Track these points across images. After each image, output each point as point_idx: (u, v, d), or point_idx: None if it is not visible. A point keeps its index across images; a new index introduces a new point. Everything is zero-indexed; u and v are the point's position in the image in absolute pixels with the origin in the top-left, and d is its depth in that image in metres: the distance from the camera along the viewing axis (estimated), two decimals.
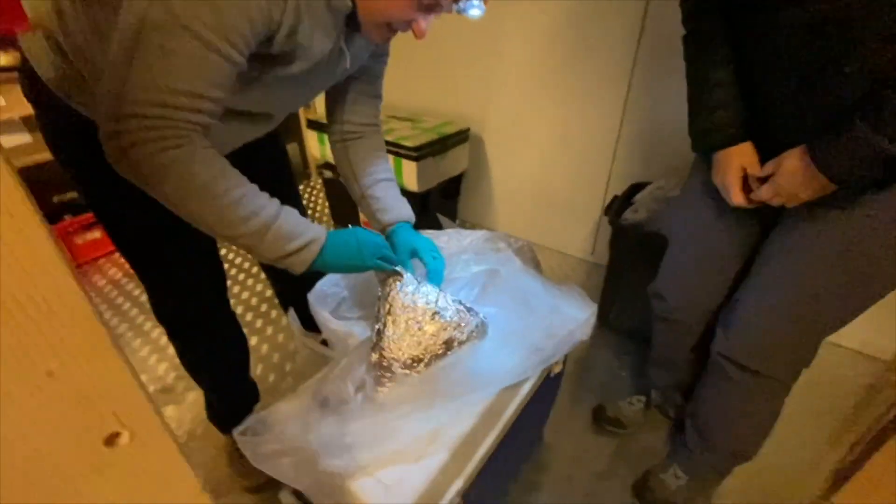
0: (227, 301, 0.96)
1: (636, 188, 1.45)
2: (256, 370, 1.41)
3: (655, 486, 1.04)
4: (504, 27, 1.66)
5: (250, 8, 0.50)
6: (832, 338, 1.44)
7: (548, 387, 0.94)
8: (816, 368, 1.41)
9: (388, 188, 0.87)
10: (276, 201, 0.63)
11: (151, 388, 1.37)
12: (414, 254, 0.83)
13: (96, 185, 0.72)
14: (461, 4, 0.59)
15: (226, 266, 1.91)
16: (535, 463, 1.15)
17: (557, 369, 0.93)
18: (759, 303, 0.80)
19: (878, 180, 0.62)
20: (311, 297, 0.84)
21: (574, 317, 0.78)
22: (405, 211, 0.87)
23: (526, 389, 0.80)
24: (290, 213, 0.64)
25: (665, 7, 1.34)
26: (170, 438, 0.27)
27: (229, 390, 1.05)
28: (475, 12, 0.60)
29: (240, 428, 0.62)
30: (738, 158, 0.75)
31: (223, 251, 2.00)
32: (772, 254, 0.79)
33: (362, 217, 1.97)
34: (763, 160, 0.73)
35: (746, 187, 0.76)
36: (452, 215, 2.14)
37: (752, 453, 0.96)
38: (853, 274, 0.70)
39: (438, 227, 1.75)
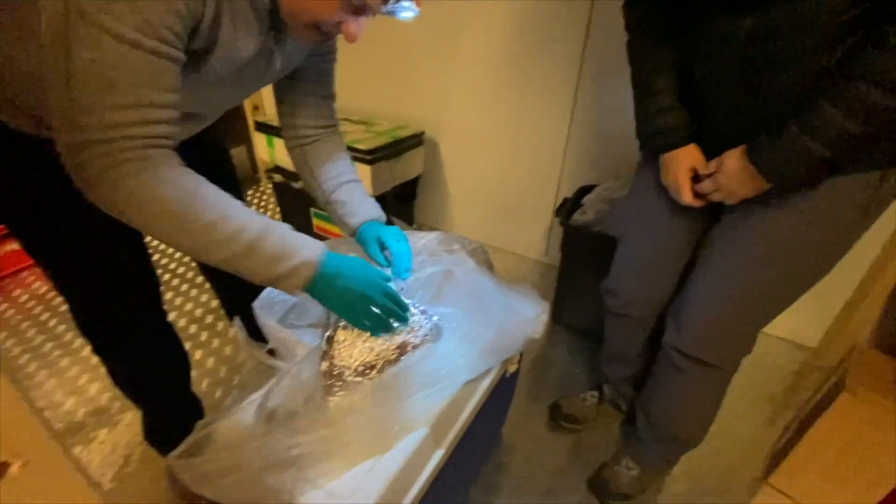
0: (162, 310, 0.89)
1: (585, 190, 1.49)
2: (202, 385, 1.33)
3: (609, 478, 1.07)
4: (457, 33, 1.67)
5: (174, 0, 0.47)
6: (765, 328, 1.56)
7: (504, 386, 0.94)
8: (751, 357, 1.51)
9: (353, 190, 0.84)
10: (263, 219, 0.58)
11: (82, 411, 1.26)
12: (382, 244, 0.81)
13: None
14: (391, 6, 0.56)
15: (167, 275, 1.80)
16: (494, 464, 1.15)
17: (513, 368, 0.93)
18: (704, 296, 0.84)
19: (811, 179, 0.66)
20: (257, 304, 0.79)
21: (526, 315, 0.79)
22: (375, 211, 0.84)
23: (482, 390, 0.80)
24: (278, 231, 0.58)
25: (608, 16, 1.40)
26: (71, 465, 0.24)
27: (168, 408, 0.98)
28: (407, 14, 0.58)
29: (175, 452, 0.57)
30: (687, 160, 0.78)
31: (164, 260, 1.88)
32: (714, 249, 0.83)
33: (315, 223, 1.92)
34: (707, 159, 0.77)
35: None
36: (409, 219, 2.13)
37: (698, 440, 1.00)
38: (788, 266, 0.74)
39: None
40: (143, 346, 0.87)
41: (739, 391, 1.35)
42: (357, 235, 0.84)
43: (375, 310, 0.66)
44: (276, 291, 0.86)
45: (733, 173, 0.70)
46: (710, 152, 0.76)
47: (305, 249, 0.60)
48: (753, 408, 1.33)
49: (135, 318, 0.83)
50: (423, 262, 0.89)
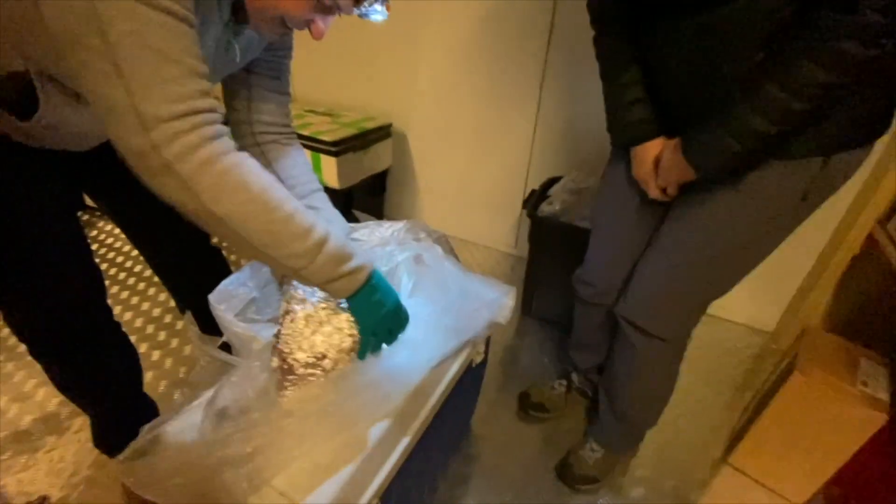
0: (106, 308, 0.84)
1: (551, 182, 1.50)
2: (159, 387, 1.28)
3: (574, 462, 1.09)
4: (423, 25, 1.65)
5: None
6: (724, 314, 1.61)
7: (471, 377, 0.94)
8: (711, 343, 1.56)
9: (324, 200, 0.83)
10: (320, 217, 0.57)
11: (28, 418, 1.19)
12: None
13: None
14: (363, 9, 0.56)
15: (122, 273, 1.72)
16: (463, 455, 1.15)
17: (479, 358, 0.93)
18: (651, 267, 0.88)
19: (730, 171, 0.70)
20: (213, 297, 0.76)
21: (493, 300, 0.79)
22: (344, 224, 0.84)
23: (447, 379, 0.79)
24: (336, 231, 0.58)
25: (571, 11, 1.40)
26: None
27: (118, 413, 0.93)
28: (377, 17, 0.58)
29: (121, 455, 0.54)
30: (654, 152, 0.80)
31: (119, 258, 1.79)
32: (664, 225, 0.86)
33: None
34: None
35: None
36: (379, 213, 2.10)
37: (653, 418, 1.04)
38: (727, 245, 0.78)
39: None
40: (85, 348, 0.81)
41: (701, 375, 1.39)
42: None
43: (391, 328, 0.67)
44: (237, 282, 0.83)
45: (669, 163, 0.76)
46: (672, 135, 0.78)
47: (361, 254, 0.60)
48: (714, 392, 1.37)
49: (73, 318, 0.77)
50: (392, 251, 0.87)
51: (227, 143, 0.50)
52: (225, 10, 0.56)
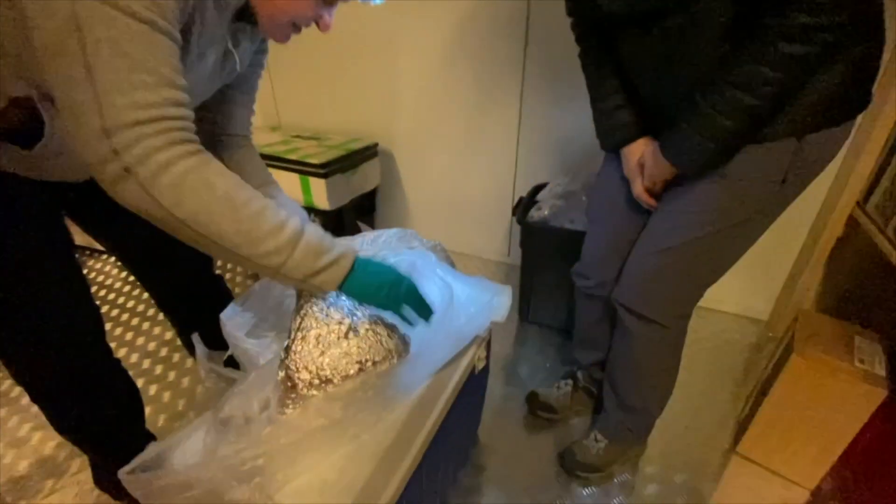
0: (106, 347, 0.82)
1: (538, 188, 1.53)
2: (158, 422, 1.25)
3: (577, 450, 1.10)
4: (399, 43, 1.70)
5: None
6: (719, 305, 1.63)
7: (473, 385, 0.93)
8: (709, 335, 1.57)
9: (279, 191, 0.85)
10: (294, 212, 0.57)
11: (24, 463, 1.15)
12: None
13: None
14: None
15: (115, 311, 1.70)
16: (472, 466, 1.13)
17: (481, 364, 0.92)
18: (642, 250, 0.91)
19: (707, 164, 0.74)
20: (224, 315, 0.76)
21: (490, 300, 0.80)
22: (302, 212, 0.85)
23: (449, 390, 0.78)
24: (312, 224, 0.58)
25: (544, 22, 1.46)
26: None
27: (119, 449, 0.90)
28: (377, 0, 0.62)
29: (128, 467, 0.53)
30: (638, 153, 0.86)
31: (111, 295, 1.78)
32: (656, 211, 0.89)
33: None
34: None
35: None
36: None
37: (656, 409, 1.04)
38: (716, 226, 0.80)
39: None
40: (87, 386, 0.80)
41: (702, 369, 1.40)
42: None
43: (401, 299, 0.66)
44: (244, 304, 0.83)
45: (652, 164, 0.82)
46: (656, 134, 0.83)
47: (341, 243, 0.60)
48: (717, 384, 1.37)
49: (76, 357, 0.76)
50: (385, 256, 0.88)
51: (191, 146, 0.49)
52: (227, 23, 0.58)
